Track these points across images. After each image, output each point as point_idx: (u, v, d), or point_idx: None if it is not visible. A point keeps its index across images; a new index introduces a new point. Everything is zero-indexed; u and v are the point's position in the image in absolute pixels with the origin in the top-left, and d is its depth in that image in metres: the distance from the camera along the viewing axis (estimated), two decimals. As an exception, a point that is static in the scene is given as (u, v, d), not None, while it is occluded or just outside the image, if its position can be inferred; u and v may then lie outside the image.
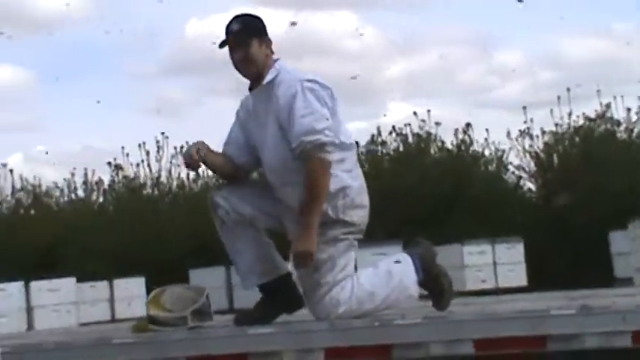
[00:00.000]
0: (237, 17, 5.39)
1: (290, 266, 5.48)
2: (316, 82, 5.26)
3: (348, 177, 5.32)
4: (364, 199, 5.42)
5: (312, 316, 5.38)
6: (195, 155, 5.31)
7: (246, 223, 5.37)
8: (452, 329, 4.90)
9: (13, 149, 45.22)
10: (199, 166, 5.44)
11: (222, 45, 5.35)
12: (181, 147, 23.82)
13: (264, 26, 5.42)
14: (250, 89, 5.42)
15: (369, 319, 5.20)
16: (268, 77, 5.28)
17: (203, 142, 5.38)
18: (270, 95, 5.25)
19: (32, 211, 25.13)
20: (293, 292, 5.48)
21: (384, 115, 47.03)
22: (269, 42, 5.38)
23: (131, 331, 5.54)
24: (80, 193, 25.65)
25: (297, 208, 5.24)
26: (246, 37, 5.30)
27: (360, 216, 5.38)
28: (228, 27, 5.35)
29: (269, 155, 5.30)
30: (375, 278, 5.41)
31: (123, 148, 25.09)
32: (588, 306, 4.91)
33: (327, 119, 5.18)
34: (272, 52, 5.40)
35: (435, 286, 5.54)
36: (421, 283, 5.50)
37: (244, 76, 5.38)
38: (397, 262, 5.53)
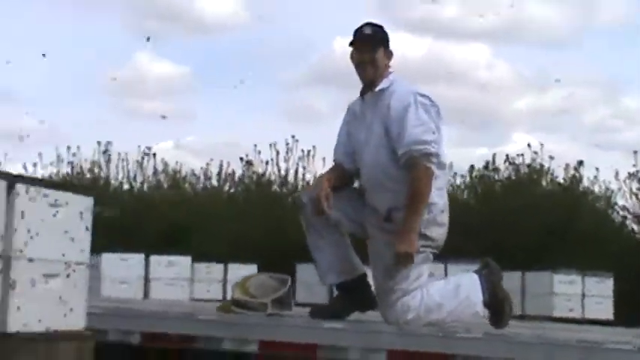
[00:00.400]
0: (369, 24, 5.42)
1: (367, 268, 5.49)
2: (428, 97, 5.27)
3: (436, 194, 5.28)
4: (445, 217, 5.39)
5: (381, 319, 5.36)
6: (325, 208, 5.26)
7: (331, 225, 5.38)
8: (512, 349, 4.83)
9: (166, 137, 45.78)
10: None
11: (351, 44, 5.37)
12: (309, 151, 24.19)
13: (389, 39, 5.43)
14: (362, 93, 5.42)
15: (434, 328, 5.16)
16: (382, 85, 5.30)
17: (327, 189, 5.30)
18: (382, 102, 5.25)
19: (169, 193, 25.56)
20: (368, 293, 5.47)
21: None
22: (391, 54, 5.40)
23: (217, 310, 5.58)
24: (214, 182, 25.99)
25: (384, 213, 5.25)
26: (375, 43, 5.33)
27: (439, 233, 5.35)
28: (360, 30, 5.37)
29: (368, 157, 5.29)
30: (445, 291, 5.38)
31: (255, 145, 25.38)
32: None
33: (434, 132, 5.19)
34: (389, 65, 5.41)
35: (498, 307, 5.47)
36: (486, 304, 5.45)
37: (362, 77, 5.39)
38: (466, 279, 5.54)
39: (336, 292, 5.67)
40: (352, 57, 5.39)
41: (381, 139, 5.22)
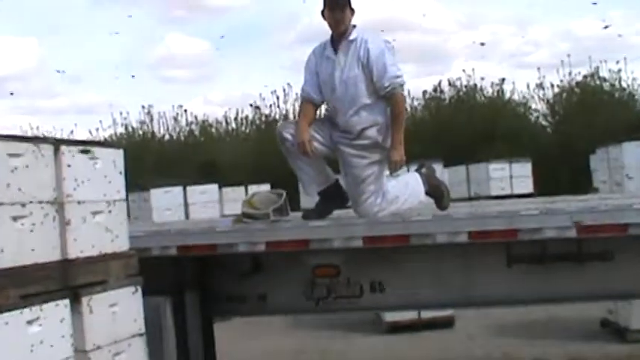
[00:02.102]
0: None
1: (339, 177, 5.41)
2: (390, 43, 5.25)
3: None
4: None
5: (355, 215, 5.28)
6: (309, 152, 5.17)
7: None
8: (453, 224, 4.79)
9: (193, 96, 45.79)
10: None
11: (324, 6, 5.22)
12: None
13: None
14: (333, 42, 5.25)
15: (395, 216, 5.12)
16: (353, 35, 5.18)
17: (306, 131, 5.20)
18: (355, 48, 5.13)
19: (200, 138, 25.53)
20: (342, 193, 5.39)
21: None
22: (353, 11, 5.23)
23: (232, 223, 5.51)
24: (233, 125, 25.93)
25: (355, 133, 5.16)
26: (343, 4, 5.17)
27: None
28: None
29: (344, 89, 5.15)
30: (398, 187, 5.35)
31: (260, 94, 25.62)
32: (548, 208, 4.79)
33: (400, 69, 5.16)
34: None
35: (437, 192, 5.48)
36: (427, 192, 5.45)
37: (334, 30, 5.24)
38: (410, 177, 5.55)
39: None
40: (324, 16, 5.24)
41: (358, 76, 5.12)
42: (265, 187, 17.48)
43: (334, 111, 5.27)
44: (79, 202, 3.70)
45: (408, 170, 5.91)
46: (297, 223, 5.16)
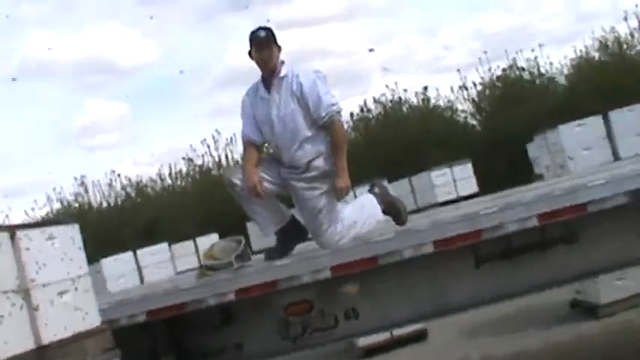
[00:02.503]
0: (262, 28, 5.27)
1: (293, 211, 5.41)
2: (320, 71, 5.27)
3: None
4: None
5: (317, 247, 5.29)
6: (261, 193, 5.15)
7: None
8: (416, 237, 4.83)
9: (121, 159, 45.47)
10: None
11: (251, 45, 5.22)
12: (231, 138, 24.25)
13: (277, 36, 5.29)
14: (265, 81, 5.27)
15: (358, 240, 5.14)
16: (284, 72, 5.20)
17: (255, 173, 5.19)
18: (287, 84, 5.15)
19: (138, 199, 25.31)
20: (300, 228, 5.38)
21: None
22: (280, 48, 5.27)
23: (196, 278, 5.45)
24: (168, 181, 25.74)
25: (302, 166, 5.18)
26: (270, 42, 5.20)
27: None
28: (256, 34, 5.22)
29: (283, 126, 5.16)
30: (354, 212, 5.37)
31: (191, 145, 25.36)
32: (506, 204, 4.86)
33: (334, 96, 5.19)
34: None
35: (393, 209, 5.50)
36: (383, 211, 5.48)
37: (263, 70, 5.25)
38: (365, 199, 5.56)
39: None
40: (251, 55, 5.26)
41: (295, 110, 5.13)
42: (214, 237, 17.45)
43: (278, 149, 5.28)
44: (43, 285, 3.64)
45: (355, 195, 5.95)
46: (261, 266, 5.13)
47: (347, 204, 5.42)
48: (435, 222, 5.11)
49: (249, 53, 5.28)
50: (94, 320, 3.94)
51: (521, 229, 4.71)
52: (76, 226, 4.07)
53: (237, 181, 5.24)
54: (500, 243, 4.89)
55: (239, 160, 24.81)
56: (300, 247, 5.46)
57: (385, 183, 10.88)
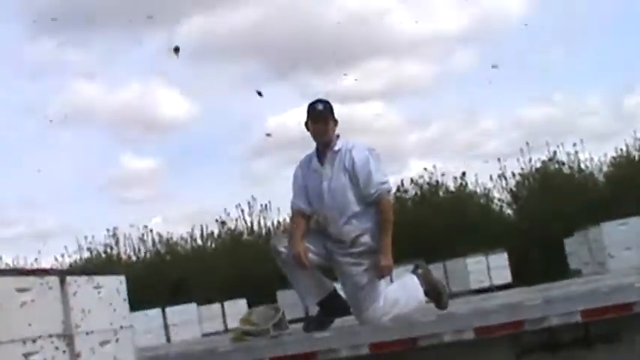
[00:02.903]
0: (320, 100, 5.34)
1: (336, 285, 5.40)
2: (374, 149, 5.32)
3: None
4: None
5: (357, 322, 5.25)
6: (305, 263, 5.16)
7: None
8: (458, 322, 4.77)
9: (152, 215, 45.72)
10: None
11: (308, 118, 5.29)
12: (266, 205, 24.44)
13: (334, 110, 5.35)
14: (319, 153, 5.32)
15: (397, 320, 5.09)
16: (338, 146, 5.25)
17: (301, 243, 5.21)
18: (341, 158, 5.20)
19: (167, 257, 25.41)
20: (341, 302, 5.35)
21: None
22: (337, 122, 5.33)
23: (231, 340, 5.43)
24: (199, 242, 25.90)
25: (349, 241, 5.18)
26: (327, 115, 5.26)
27: None
28: (313, 106, 5.29)
29: (333, 200, 5.19)
30: (397, 291, 5.37)
31: (225, 209, 25.61)
32: (550, 297, 4.82)
33: (386, 175, 5.28)
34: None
35: (435, 291, 5.49)
36: (426, 292, 5.46)
37: (318, 142, 5.31)
38: (408, 279, 5.54)
39: (317, 309, 5.51)
40: (308, 127, 5.32)
41: (346, 185, 5.17)
42: (242, 303, 17.44)
43: (325, 221, 5.30)
44: (87, 333, 3.65)
45: (391, 279, 5.88)
46: (299, 336, 5.08)
47: (390, 282, 5.40)
48: (476, 309, 5.06)
49: (306, 124, 5.33)
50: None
51: (564, 323, 4.64)
52: (123, 278, 4.11)
53: (283, 249, 5.25)
54: (543, 336, 4.81)
55: (271, 228, 24.99)
56: (340, 321, 5.43)
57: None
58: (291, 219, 5.58)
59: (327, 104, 5.33)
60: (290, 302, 11.54)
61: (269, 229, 25.17)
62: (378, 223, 5.19)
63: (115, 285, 4.00)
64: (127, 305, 4.06)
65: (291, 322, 6.27)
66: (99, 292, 3.83)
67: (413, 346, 4.74)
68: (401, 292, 5.35)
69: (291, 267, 5.24)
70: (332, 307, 5.33)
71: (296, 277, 5.29)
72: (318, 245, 5.28)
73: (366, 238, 5.19)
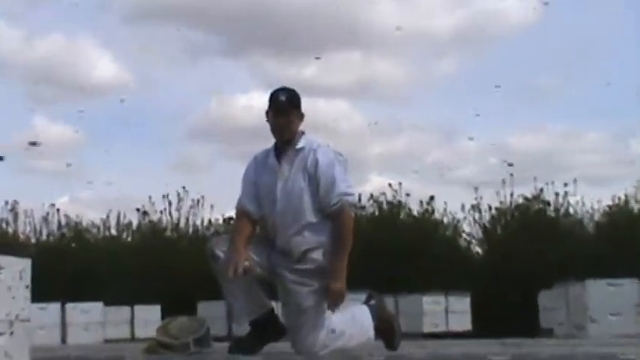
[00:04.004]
0: (284, 89, 5.33)
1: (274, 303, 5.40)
2: (342, 156, 5.32)
3: None
4: None
5: (292, 350, 5.24)
6: (239, 271, 5.05)
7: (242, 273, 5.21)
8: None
9: (62, 192, 44.87)
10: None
11: (269, 109, 5.26)
12: (198, 200, 24.32)
13: (300, 102, 5.33)
14: (278, 149, 5.31)
15: (341, 354, 5.09)
16: (301, 144, 5.25)
17: (241, 250, 5.13)
18: (302, 158, 5.20)
19: (73, 244, 25.15)
20: (277, 324, 5.35)
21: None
22: (302, 116, 5.33)
23: (142, 351, 5.40)
24: (113, 231, 25.74)
25: (297, 255, 5.17)
26: (290, 108, 5.25)
27: None
28: (276, 96, 5.27)
29: (286, 205, 5.17)
30: (344, 321, 5.35)
31: (150, 197, 25.36)
32: (521, 354, 4.86)
33: (352, 186, 5.24)
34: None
35: (388, 328, 5.51)
36: (376, 328, 5.47)
37: (277, 138, 5.30)
38: (358, 309, 5.54)
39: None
40: (268, 118, 5.31)
41: (303, 190, 5.16)
42: (155, 310, 17.35)
43: (274, 228, 5.29)
44: (-24, 321, 3.59)
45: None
46: (222, 357, 5.09)
47: (337, 311, 5.40)
48: (432, 355, 5.10)
49: (267, 113, 5.33)
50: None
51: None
52: (28, 262, 4.02)
53: (221, 254, 5.20)
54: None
55: (200, 227, 24.91)
56: (271, 346, 5.41)
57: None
58: (235, 220, 5.56)
59: (292, 95, 5.32)
60: (212, 316, 11.56)
61: (197, 228, 25.09)
62: (334, 240, 5.18)
63: (18, 268, 3.92)
64: (28, 295, 3.97)
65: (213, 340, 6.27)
66: (-3, 274, 3.77)
67: (353, 389, 4.77)
68: (348, 323, 5.35)
69: (227, 276, 5.21)
70: (265, 329, 5.31)
71: (231, 289, 5.25)
72: (262, 255, 5.27)
73: (317, 254, 5.18)
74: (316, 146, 5.27)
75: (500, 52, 39.74)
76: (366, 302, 5.60)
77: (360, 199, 24.81)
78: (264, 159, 5.38)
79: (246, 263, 5.12)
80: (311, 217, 5.18)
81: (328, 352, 5.15)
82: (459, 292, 16.85)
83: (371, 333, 5.45)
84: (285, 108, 5.25)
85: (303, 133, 5.33)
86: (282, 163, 5.26)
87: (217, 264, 5.22)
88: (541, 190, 23.95)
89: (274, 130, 5.31)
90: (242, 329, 5.61)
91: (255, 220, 5.38)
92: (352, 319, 5.40)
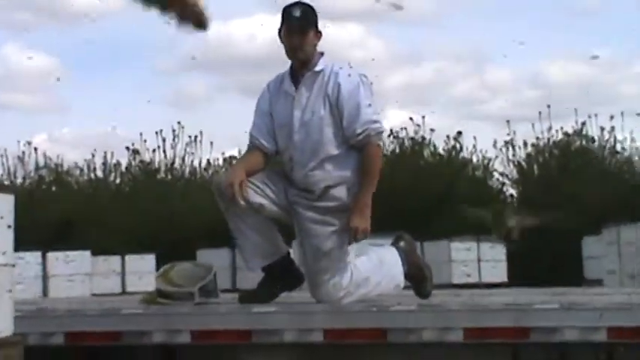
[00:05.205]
0: (297, 3, 5.25)
1: (291, 250, 5.40)
2: (367, 77, 5.28)
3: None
4: None
5: (312, 298, 5.26)
6: (237, 194, 5.06)
7: (253, 210, 5.22)
8: (444, 318, 4.80)
9: (39, 130, 44.91)
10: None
11: (281, 26, 5.22)
12: (195, 137, 24.22)
13: (317, 19, 5.28)
14: (292, 73, 5.27)
15: (366, 303, 5.12)
16: (320, 66, 5.20)
17: (241, 173, 5.16)
18: (321, 83, 5.16)
19: (53, 188, 25.19)
20: (293, 271, 5.38)
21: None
22: (320, 34, 5.27)
23: (140, 302, 5.41)
24: (99, 173, 25.67)
25: (318, 191, 5.17)
26: (306, 25, 5.20)
27: None
28: (289, 12, 5.22)
29: (305, 136, 5.16)
30: (370, 266, 5.37)
31: (141, 134, 25.30)
32: (570, 302, 4.84)
33: (379, 112, 5.23)
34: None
35: (418, 275, 5.56)
36: (406, 274, 5.50)
37: (292, 59, 5.26)
38: (386, 252, 5.56)
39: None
40: (280, 37, 5.27)
41: (324, 119, 5.14)
42: (149, 259, 17.42)
43: (291, 162, 5.26)
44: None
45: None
46: (233, 308, 5.09)
47: (362, 253, 5.38)
48: (468, 304, 5.09)
49: (279, 32, 5.28)
50: (5, 327, 3.86)
51: (584, 340, 4.68)
52: (11, 198, 3.98)
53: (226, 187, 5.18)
54: (551, 351, 4.85)
55: (198, 168, 24.86)
56: (287, 295, 5.44)
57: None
58: (245, 153, 5.54)
59: (307, 10, 5.26)
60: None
61: (195, 168, 25.05)
62: (358, 174, 5.18)
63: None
64: (11, 236, 3.95)
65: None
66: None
67: (380, 341, 4.77)
68: (375, 268, 5.37)
69: (236, 214, 5.21)
70: (281, 276, 5.35)
71: (241, 227, 5.27)
72: (278, 191, 5.27)
73: (340, 191, 5.17)
74: (337, 68, 5.22)
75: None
76: (395, 244, 5.60)
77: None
78: (278, 86, 5.34)
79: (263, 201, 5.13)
80: (333, 149, 5.16)
81: (352, 301, 5.17)
82: (492, 239, 16.84)
83: (400, 279, 5.48)
84: (299, 25, 5.19)
85: (322, 54, 5.28)
86: (300, 89, 5.22)
87: (224, 200, 5.19)
88: (583, 124, 23.74)
89: (288, 51, 5.26)
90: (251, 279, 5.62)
91: (269, 156, 5.37)
92: (379, 264, 5.41)
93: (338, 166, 5.17)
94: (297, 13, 5.21)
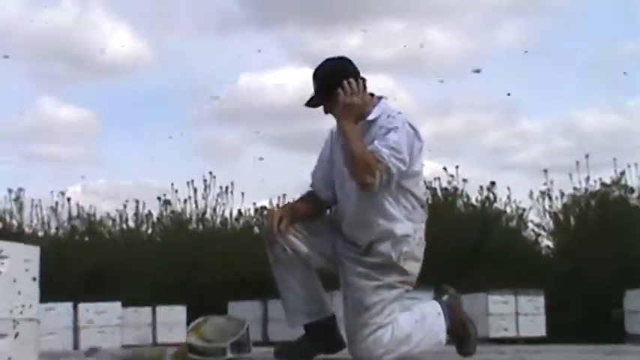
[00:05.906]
0: (318, 68, 5.08)
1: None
2: (415, 129, 4.96)
3: (413, 227, 5.06)
4: (421, 252, 5.17)
5: (349, 356, 5.08)
6: (274, 230, 4.93)
7: (301, 261, 5.07)
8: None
9: (73, 181, 45.21)
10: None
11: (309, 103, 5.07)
12: (227, 187, 24.18)
13: (351, 69, 5.02)
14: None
15: (404, 361, 4.91)
16: (373, 115, 5.00)
17: (286, 210, 5.09)
18: (375, 131, 4.93)
19: (85, 238, 25.20)
20: (336, 335, 5.22)
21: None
22: (363, 81, 4.99)
23: (172, 358, 5.25)
24: (131, 224, 25.68)
25: (364, 246, 5.00)
26: (323, 93, 4.99)
27: (414, 268, 5.12)
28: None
29: (355, 189, 4.93)
30: (412, 322, 5.17)
31: (172, 184, 25.20)
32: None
33: (403, 161, 4.80)
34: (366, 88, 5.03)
35: (462, 332, 5.35)
36: (449, 330, 5.30)
37: None
38: (429, 307, 5.35)
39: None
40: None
41: None
42: (180, 310, 17.33)
43: (341, 213, 5.11)
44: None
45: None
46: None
47: (405, 309, 5.18)
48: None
49: None
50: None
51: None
52: (37, 250, 3.86)
53: (279, 238, 5.01)
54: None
55: (229, 218, 24.80)
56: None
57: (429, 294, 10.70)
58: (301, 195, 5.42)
59: (325, 72, 5.05)
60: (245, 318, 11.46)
61: (226, 218, 24.91)
62: (404, 229, 4.99)
63: (25, 257, 3.76)
64: (37, 289, 3.81)
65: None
66: (1, 264, 3.59)
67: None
68: (417, 324, 5.16)
69: (284, 266, 5.08)
70: (321, 337, 5.18)
71: (287, 280, 5.12)
72: (326, 242, 5.12)
73: (385, 247, 4.98)
74: (392, 115, 4.96)
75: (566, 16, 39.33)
76: (438, 299, 5.41)
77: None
78: (338, 134, 5.13)
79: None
80: (384, 204, 4.94)
81: (392, 358, 4.99)
82: (531, 292, 16.61)
83: (442, 336, 5.26)
84: (316, 95, 5.04)
85: (379, 98, 5.08)
86: None
87: (274, 253, 5.06)
88: (622, 173, 23.54)
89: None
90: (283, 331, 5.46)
91: (325, 202, 5.23)
92: (422, 320, 5.21)
93: (383, 220, 4.96)
94: (314, 84, 5.06)
